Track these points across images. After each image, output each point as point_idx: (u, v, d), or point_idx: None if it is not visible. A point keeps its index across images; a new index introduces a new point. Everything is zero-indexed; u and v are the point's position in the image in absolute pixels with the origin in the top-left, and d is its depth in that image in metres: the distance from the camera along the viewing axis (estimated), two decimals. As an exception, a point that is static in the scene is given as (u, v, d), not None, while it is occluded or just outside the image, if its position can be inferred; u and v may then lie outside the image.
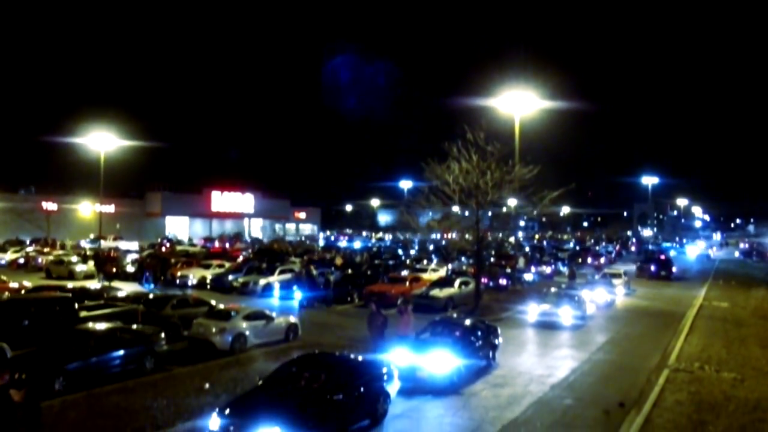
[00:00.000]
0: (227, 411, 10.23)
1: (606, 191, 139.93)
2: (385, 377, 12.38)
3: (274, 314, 19.46)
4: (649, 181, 77.70)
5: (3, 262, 44.74)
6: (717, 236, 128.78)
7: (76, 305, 17.80)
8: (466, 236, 28.87)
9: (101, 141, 41.53)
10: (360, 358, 13.17)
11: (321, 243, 79.54)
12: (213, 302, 21.26)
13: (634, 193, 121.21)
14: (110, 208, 74.63)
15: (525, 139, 29.70)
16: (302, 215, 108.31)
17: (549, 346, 19.87)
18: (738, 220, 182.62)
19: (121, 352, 14.86)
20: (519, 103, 29.44)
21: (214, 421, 10.00)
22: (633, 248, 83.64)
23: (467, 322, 17.23)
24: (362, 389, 11.51)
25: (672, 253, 66.62)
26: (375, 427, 11.59)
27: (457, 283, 28.17)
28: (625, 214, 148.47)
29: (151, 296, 21.49)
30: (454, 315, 22.90)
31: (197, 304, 20.70)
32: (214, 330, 17.66)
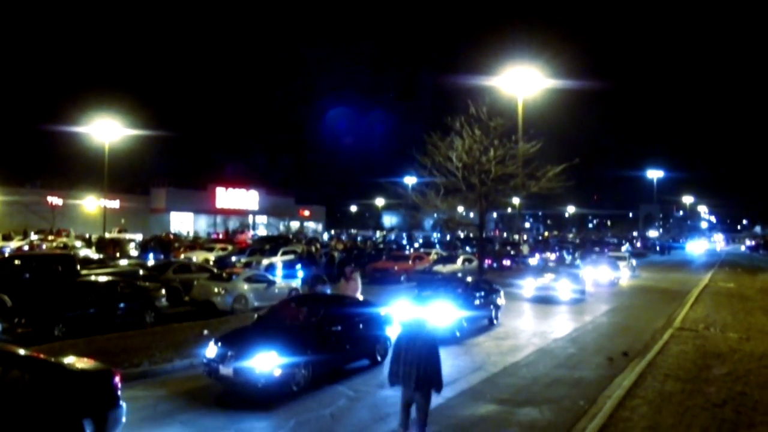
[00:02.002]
0: (224, 340, 10.15)
1: (611, 190, 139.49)
2: (384, 320, 12.28)
3: (276, 279, 19.42)
4: (654, 174, 77.32)
5: (8, 249, 44.87)
6: (719, 236, 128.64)
7: (78, 266, 17.77)
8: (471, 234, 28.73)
9: (106, 130, 41.68)
10: (360, 298, 13.05)
11: (326, 237, 79.57)
12: (215, 270, 21.22)
13: (640, 194, 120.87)
14: (115, 204, 75.06)
15: (528, 117, 29.43)
16: (306, 213, 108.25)
17: (551, 313, 19.68)
18: (744, 221, 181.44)
19: (122, 305, 14.88)
20: (522, 82, 29.21)
21: (211, 349, 9.91)
22: (638, 246, 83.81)
23: (468, 279, 17.14)
24: (361, 326, 11.42)
25: None
26: (374, 367, 11.47)
27: (460, 260, 28.08)
28: (630, 215, 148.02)
29: (152, 263, 21.46)
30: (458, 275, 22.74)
31: (199, 269, 20.67)
32: (215, 290, 17.64)
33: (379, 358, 11.67)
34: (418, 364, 7.12)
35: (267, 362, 9.21)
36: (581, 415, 8.90)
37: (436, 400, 9.40)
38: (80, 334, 13.29)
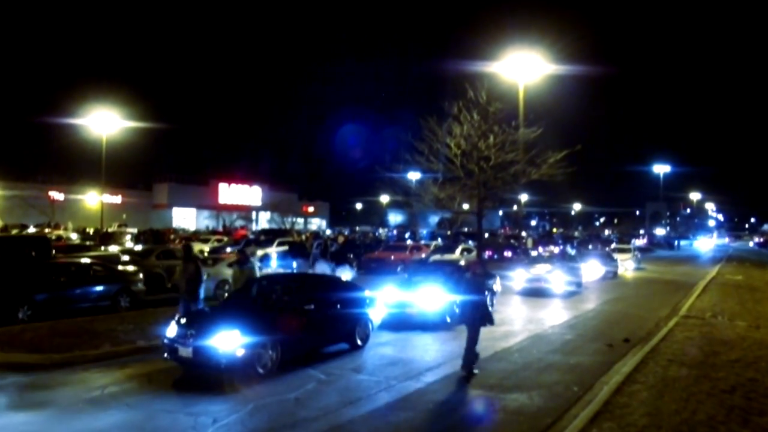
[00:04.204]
0: (186, 319, 9.35)
1: (618, 188, 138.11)
2: (367, 301, 11.46)
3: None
4: (661, 169, 75.90)
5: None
6: (715, 235, 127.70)
7: (53, 250, 17.04)
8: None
9: (104, 122, 40.92)
10: (343, 278, 12.19)
11: (328, 233, 78.77)
12: (201, 256, 20.41)
13: (647, 192, 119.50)
14: (117, 199, 74.88)
15: (530, 104, 28.34)
16: (311, 209, 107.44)
17: (549, 301, 18.74)
18: (752, 220, 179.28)
19: (95, 288, 14.14)
20: (524, 68, 28.19)
21: (172, 329, 9.10)
22: (644, 242, 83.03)
23: (461, 262, 16.27)
24: (339, 307, 10.57)
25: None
26: (354, 351, 10.63)
27: (458, 250, 27.20)
28: (637, 212, 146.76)
29: (136, 249, 20.72)
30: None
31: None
32: (196, 275, 16.81)
33: (359, 342, 10.83)
34: (477, 304, 9.70)
35: (228, 342, 8.39)
36: (574, 402, 8.04)
37: (415, 384, 8.65)
38: (48, 318, 12.56)
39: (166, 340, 9.07)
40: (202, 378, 8.59)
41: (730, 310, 17.12)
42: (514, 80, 28.12)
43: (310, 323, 9.72)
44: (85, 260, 15.22)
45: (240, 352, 8.41)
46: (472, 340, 9.47)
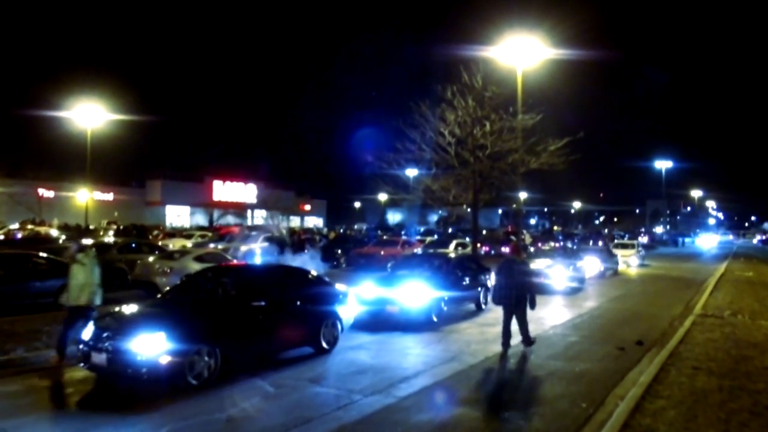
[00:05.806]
0: (107, 319, 7.68)
1: (618, 186, 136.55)
2: (339, 297, 9.78)
3: (233, 259, 16.98)
4: (662, 165, 74.19)
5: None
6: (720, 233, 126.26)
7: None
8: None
9: (89, 115, 39.11)
10: (313, 272, 10.45)
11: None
12: (167, 249, 18.77)
13: (647, 189, 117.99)
14: (108, 197, 73.29)
15: (528, 91, 26.59)
16: (307, 207, 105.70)
17: (550, 299, 16.98)
18: (753, 218, 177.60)
19: (33, 283, 12.48)
20: (522, 52, 26.38)
21: (88, 330, 7.44)
22: (646, 240, 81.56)
23: (451, 255, 14.62)
24: (299, 304, 8.88)
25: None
26: (319, 357, 8.94)
27: (452, 245, 25.54)
28: (637, 211, 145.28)
29: (104, 241, 19.06)
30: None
31: (149, 249, 18.21)
32: (158, 270, 15.17)
33: (325, 346, 9.12)
34: (516, 286, 9.37)
35: (150, 347, 6.72)
36: (583, 423, 6.37)
37: (383, 399, 6.96)
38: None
39: (81, 345, 7.40)
40: (118, 392, 6.93)
41: (749, 308, 15.46)
42: (511, 65, 26.33)
43: (260, 324, 8.02)
44: (23, 252, 13.53)
45: (165, 360, 6.73)
46: (523, 321, 9.61)
